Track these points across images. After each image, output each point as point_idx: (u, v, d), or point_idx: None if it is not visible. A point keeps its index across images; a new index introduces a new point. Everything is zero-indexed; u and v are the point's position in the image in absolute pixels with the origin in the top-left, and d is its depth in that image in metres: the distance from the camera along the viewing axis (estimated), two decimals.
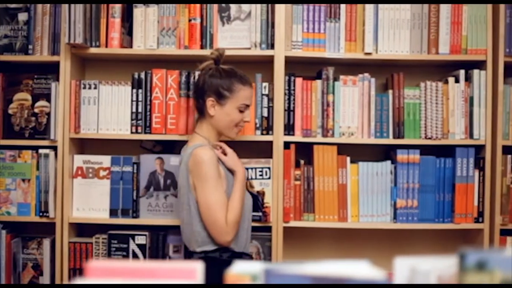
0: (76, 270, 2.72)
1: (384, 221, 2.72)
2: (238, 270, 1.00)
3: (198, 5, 2.73)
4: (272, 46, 2.72)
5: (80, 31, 2.62)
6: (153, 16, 2.75)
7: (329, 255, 2.82)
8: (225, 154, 2.35)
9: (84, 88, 2.75)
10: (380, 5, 2.73)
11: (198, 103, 2.38)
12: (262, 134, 2.73)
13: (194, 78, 2.72)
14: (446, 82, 2.75)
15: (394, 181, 2.72)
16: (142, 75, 2.74)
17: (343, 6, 2.73)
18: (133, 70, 2.75)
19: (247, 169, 2.70)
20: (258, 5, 2.72)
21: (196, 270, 0.98)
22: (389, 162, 2.73)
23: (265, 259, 2.72)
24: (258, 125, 2.73)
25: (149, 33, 2.74)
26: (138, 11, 2.76)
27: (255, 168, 2.71)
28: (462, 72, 2.74)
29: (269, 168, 2.71)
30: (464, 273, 0.90)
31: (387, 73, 2.82)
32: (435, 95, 2.73)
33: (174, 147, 2.88)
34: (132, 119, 2.74)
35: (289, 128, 2.72)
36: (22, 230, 2.82)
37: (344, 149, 2.73)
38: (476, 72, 2.73)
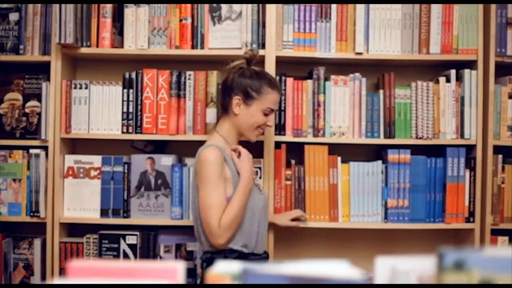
0: None
1: (375, 221, 2.72)
2: (219, 270, 1.00)
3: (189, 5, 2.73)
4: (263, 46, 2.72)
5: (71, 31, 2.62)
6: (144, 16, 2.75)
7: (320, 255, 2.82)
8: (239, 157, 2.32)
9: (75, 88, 2.75)
10: (371, 5, 2.73)
11: (224, 100, 2.37)
12: None
13: (184, 78, 2.72)
14: (437, 82, 2.75)
15: (385, 181, 2.72)
16: (133, 75, 2.74)
17: (334, 6, 2.73)
18: (124, 70, 2.75)
19: None
20: (249, 5, 2.72)
21: (176, 270, 0.98)
22: (380, 162, 2.73)
23: None
24: None
25: (140, 33, 2.74)
26: (129, 11, 2.75)
27: None
28: (453, 72, 2.74)
29: (260, 168, 2.71)
30: (442, 273, 0.90)
31: (378, 73, 2.81)
32: (426, 95, 2.73)
33: (165, 147, 2.88)
34: (123, 119, 2.74)
35: (280, 128, 2.72)
36: (13, 230, 2.82)
37: (335, 149, 2.73)
38: (467, 72, 2.73)
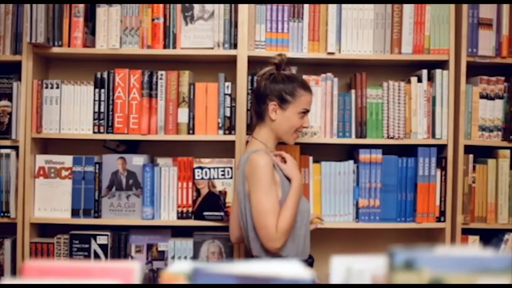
0: None
1: (347, 220, 2.73)
2: (174, 270, 0.99)
3: (161, 5, 2.73)
4: (235, 46, 2.71)
5: (42, 31, 2.61)
6: (116, 15, 2.74)
7: None
8: (284, 162, 2.32)
9: (46, 87, 2.74)
10: (343, 5, 2.74)
11: (258, 107, 2.36)
12: (224, 133, 2.72)
13: (156, 78, 2.71)
14: (409, 82, 2.76)
15: (357, 180, 2.73)
16: (105, 75, 2.73)
17: (306, 6, 2.73)
18: (96, 70, 2.74)
19: (208, 169, 2.70)
20: (222, 5, 2.72)
21: (132, 271, 0.98)
22: (351, 161, 2.73)
23: (227, 259, 2.72)
24: (220, 125, 2.72)
25: (112, 32, 2.73)
26: (101, 10, 2.75)
27: (217, 168, 2.71)
28: (424, 72, 2.75)
29: (231, 168, 2.71)
30: (392, 272, 0.89)
31: (350, 72, 2.82)
32: (398, 94, 2.73)
33: (137, 147, 2.88)
34: (94, 119, 2.73)
35: (251, 128, 2.71)
36: None
37: (306, 149, 2.73)
38: (438, 72, 2.74)
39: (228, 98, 2.73)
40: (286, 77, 2.35)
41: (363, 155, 2.72)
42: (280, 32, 2.74)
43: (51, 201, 2.73)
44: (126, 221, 2.73)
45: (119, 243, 2.75)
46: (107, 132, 2.73)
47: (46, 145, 2.87)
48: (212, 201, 2.71)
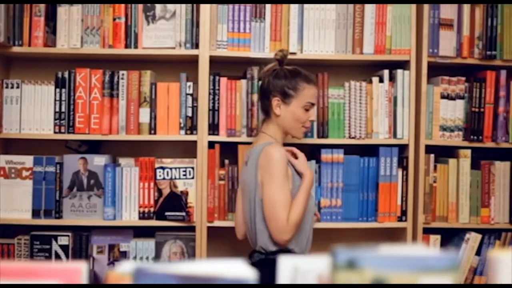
0: None
1: None
2: (120, 270, 0.99)
3: (122, 5, 2.71)
4: (196, 46, 2.71)
5: (2, 30, 2.59)
6: (77, 15, 2.72)
7: None
8: (295, 157, 2.35)
9: (7, 87, 2.72)
10: (305, 5, 2.74)
11: (263, 104, 2.40)
12: (186, 133, 2.72)
13: (117, 77, 2.70)
14: (370, 82, 2.77)
15: (318, 180, 2.73)
16: (66, 75, 2.71)
17: (268, 6, 2.73)
18: (57, 70, 2.72)
19: (170, 169, 2.70)
20: (183, 5, 2.71)
21: (80, 271, 0.97)
22: (313, 161, 2.74)
23: (189, 259, 2.71)
24: (182, 125, 2.72)
25: (73, 32, 2.72)
26: (62, 9, 2.73)
27: (179, 168, 2.70)
28: (386, 72, 2.76)
29: (192, 168, 2.70)
30: (335, 272, 0.89)
31: (312, 72, 2.78)
32: (359, 94, 2.74)
33: (99, 147, 2.86)
34: (55, 119, 2.71)
35: (213, 128, 2.71)
36: None
37: None
38: (399, 72, 2.75)
39: (190, 98, 2.72)
40: (288, 72, 2.38)
41: (325, 155, 2.72)
42: (242, 32, 2.74)
43: (12, 202, 2.70)
44: (88, 221, 2.71)
45: (80, 244, 2.73)
46: (68, 132, 2.71)
47: (7, 146, 2.84)
48: (173, 201, 2.71)
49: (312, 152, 2.82)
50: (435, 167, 2.77)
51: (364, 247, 0.92)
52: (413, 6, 2.76)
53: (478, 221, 2.78)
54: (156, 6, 2.73)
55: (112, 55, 2.73)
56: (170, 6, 2.73)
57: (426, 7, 2.74)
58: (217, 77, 2.71)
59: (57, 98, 2.71)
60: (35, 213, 2.71)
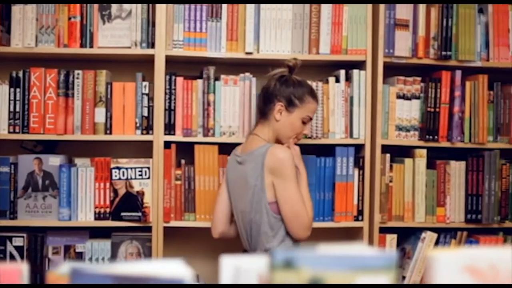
0: None
1: None
2: (61, 270, 0.99)
3: (78, 4, 2.69)
4: (152, 45, 2.70)
5: None
6: (31, 13, 2.70)
7: (211, 255, 2.80)
8: None
9: None
10: (262, 5, 2.74)
11: (264, 106, 2.41)
12: (142, 133, 2.71)
13: (72, 77, 2.68)
14: (327, 82, 2.77)
15: None
16: (20, 74, 2.69)
17: (224, 6, 2.73)
18: (12, 69, 2.70)
19: (126, 169, 2.69)
20: (139, 4, 2.70)
21: (19, 272, 0.97)
22: None
23: (145, 259, 2.70)
24: (138, 125, 2.70)
25: (28, 31, 2.69)
26: (17, 8, 2.70)
27: (135, 168, 2.69)
28: (342, 72, 2.77)
29: (148, 168, 2.69)
30: (273, 272, 0.89)
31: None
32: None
33: (55, 147, 2.84)
34: (9, 119, 2.68)
35: (169, 128, 2.70)
36: None
37: (225, 149, 2.73)
38: (356, 72, 2.76)
39: (145, 98, 2.71)
40: (297, 81, 2.40)
41: None
42: (198, 31, 2.73)
43: None
44: (43, 222, 2.69)
45: (35, 245, 2.71)
46: (23, 132, 2.69)
47: None
48: (129, 202, 2.70)
49: None
50: (391, 166, 2.78)
51: (303, 247, 0.92)
52: (369, 7, 2.77)
53: (434, 220, 2.80)
54: (112, 5, 2.71)
55: (67, 55, 2.71)
56: (126, 6, 2.72)
57: (382, 7, 2.75)
58: (173, 77, 2.70)
59: (12, 98, 2.69)
60: None
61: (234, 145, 2.75)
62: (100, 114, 2.70)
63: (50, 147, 2.83)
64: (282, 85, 2.38)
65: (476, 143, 2.81)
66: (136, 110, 2.70)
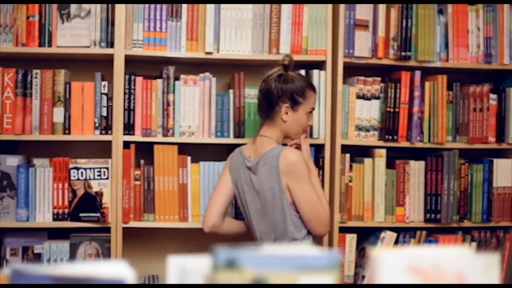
0: None
1: None
2: (4, 271, 0.98)
3: (36, 3, 2.67)
4: (112, 45, 2.69)
5: None
6: None
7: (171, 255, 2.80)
8: (299, 149, 2.42)
9: None
10: (222, 5, 2.73)
11: (268, 109, 2.38)
12: (101, 133, 2.69)
13: (31, 77, 2.66)
14: None
15: None
16: None
17: (184, 5, 2.72)
18: None
19: (84, 169, 2.67)
20: (99, 4, 2.68)
21: None
22: None
23: (104, 260, 2.69)
24: (97, 125, 2.69)
25: None
26: None
27: (93, 168, 2.67)
28: (302, 72, 2.76)
29: (107, 168, 2.68)
30: (215, 272, 0.89)
31: (230, 72, 2.82)
32: None
33: (14, 147, 2.81)
34: None
35: (129, 128, 2.69)
36: None
37: (185, 149, 2.73)
38: (316, 72, 2.77)
39: (104, 98, 2.70)
40: (295, 78, 2.40)
41: None
42: (158, 31, 2.72)
43: None
44: (0, 223, 2.66)
45: None
46: None
47: None
48: (88, 202, 2.68)
49: (229, 152, 2.82)
50: (350, 166, 2.79)
51: (243, 247, 0.92)
52: (329, 7, 2.78)
53: (393, 220, 2.82)
54: (71, 4, 2.70)
55: (26, 54, 2.69)
56: (85, 5, 2.70)
57: (342, 7, 2.76)
58: (132, 77, 2.69)
59: None
60: None
61: (194, 145, 2.76)
62: (58, 114, 2.68)
63: (9, 147, 2.80)
64: (283, 84, 2.37)
65: (435, 143, 2.83)
66: (95, 110, 2.69)
